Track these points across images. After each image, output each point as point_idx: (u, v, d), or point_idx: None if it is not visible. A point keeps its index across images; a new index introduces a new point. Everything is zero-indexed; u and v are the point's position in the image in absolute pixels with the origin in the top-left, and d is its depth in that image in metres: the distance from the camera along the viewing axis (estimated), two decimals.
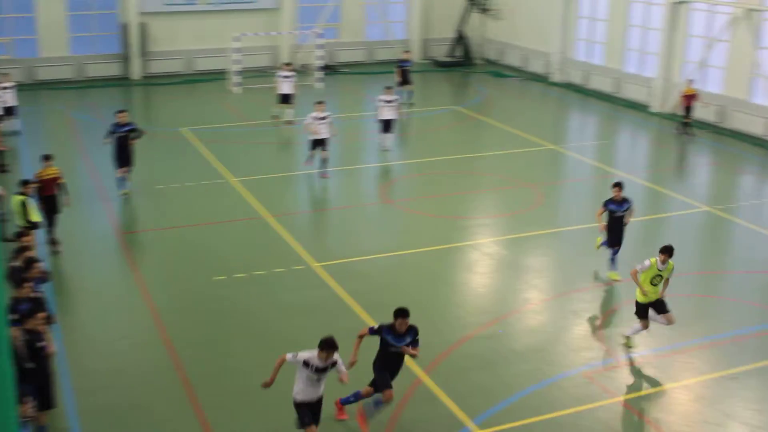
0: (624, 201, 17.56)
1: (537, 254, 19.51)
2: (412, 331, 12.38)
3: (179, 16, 38.71)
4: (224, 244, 19.69)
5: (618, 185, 17.56)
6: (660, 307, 14.81)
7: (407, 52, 34.67)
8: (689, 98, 29.33)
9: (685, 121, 29.65)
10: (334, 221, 21.78)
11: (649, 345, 15.24)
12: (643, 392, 13.78)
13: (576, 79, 38.24)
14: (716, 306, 17.31)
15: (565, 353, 15.03)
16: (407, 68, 33.11)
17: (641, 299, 14.72)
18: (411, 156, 27.59)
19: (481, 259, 19.03)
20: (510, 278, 18.17)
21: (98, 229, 20.52)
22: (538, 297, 17.22)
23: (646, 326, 14.84)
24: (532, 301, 17.05)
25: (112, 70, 37.60)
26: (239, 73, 35.58)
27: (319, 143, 23.86)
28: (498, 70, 41.49)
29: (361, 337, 12.45)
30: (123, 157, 21.99)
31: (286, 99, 30.05)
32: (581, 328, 15.89)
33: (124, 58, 37.66)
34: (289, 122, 29.99)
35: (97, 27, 37.76)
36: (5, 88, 27.83)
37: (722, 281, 18.51)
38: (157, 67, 38.35)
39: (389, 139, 26.67)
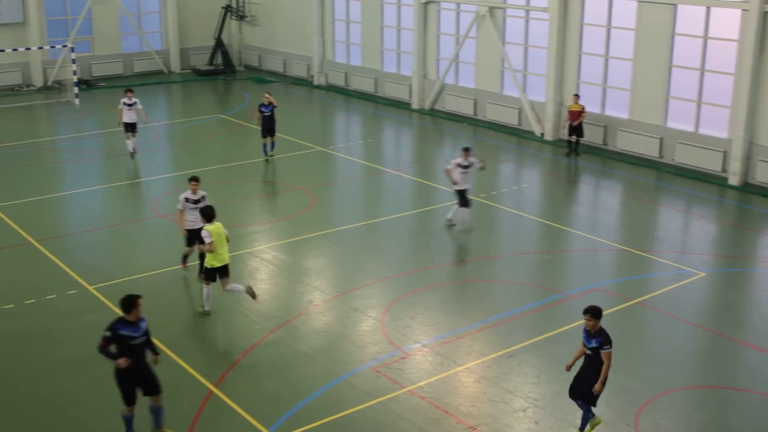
0: (599, 334, 12.16)
1: (316, 256, 19.71)
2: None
3: None
4: None
5: (591, 311, 12.15)
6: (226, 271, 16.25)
7: (268, 94, 27.23)
8: (575, 115, 27.67)
9: (569, 140, 27.96)
10: (105, 240, 20.95)
11: (431, 334, 15.79)
12: (430, 379, 14.23)
13: (337, 80, 38.94)
14: (491, 289, 18.17)
15: (352, 351, 15.27)
16: (269, 114, 26.82)
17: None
18: (180, 168, 27.07)
19: (261, 266, 19.00)
20: (291, 282, 18.24)
21: None
22: (320, 298, 17.40)
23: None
24: (315, 302, 17.21)
25: None
26: None
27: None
28: (260, 76, 41.55)
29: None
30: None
31: (133, 128, 27.24)
32: (366, 325, 16.21)
33: None
34: (133, 152, 27.39)
35: None
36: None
37: (494, 265, 19.44)
38: None
39: (464, 213, 21.19)
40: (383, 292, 17.64)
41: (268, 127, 26.73)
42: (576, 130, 27.68)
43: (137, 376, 11.92)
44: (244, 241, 20.29)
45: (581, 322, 12.37)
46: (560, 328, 15.86)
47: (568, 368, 12.65)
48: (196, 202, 17.66)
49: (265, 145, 26.95)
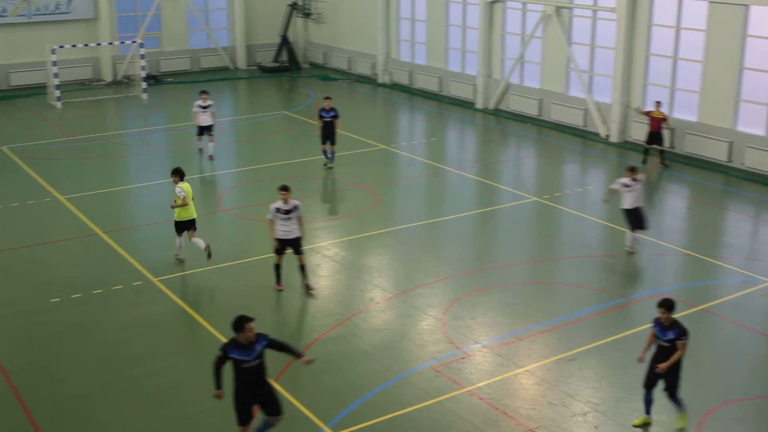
0: (675, 326, 12.51)
1: (377, 254, 19.74)
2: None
3: None
4: (58, 264, 19.00)
5: (665, 304, 12.56)
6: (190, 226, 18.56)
7: (328, 99, 25.82)
8: (656, 122, 26.40)
9: (647, 147, 26.75)
10: (170, 234, 21.19)
11: (491, 334, 15.71)
12: (490, 380, 14.17)
13: (402, 79, 38.94)
14: (553, 291, 18.00)
15: (411, 349, 15.27)
16: (330, 120, 25.55)
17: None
18: (244, 163, 27.36)
19: (323, 263, 19.09)
20: (352, 279, 18.30)
21: None
22: (381, 296, 17.42)
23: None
24: (376, 300, 17.24)
25: None
26: (59, 86, 34.31)
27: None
28: (325, 74, 41.75)
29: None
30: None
31: (208, 130, 26.76)
32: (426, 324, 16.19)
33: None
34: (211, 156, 26.91)
35: None
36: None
37: (556, 267, 19.27)
38: None
39: (635, 237, 19.85)
40: (444, 292, 17.61)
41: (328, 134, 25.54)
42: (656, 138, 26.75)
43: (255, 397, 11.68)
44: (307, 237, 20.36)
45: (644, 327, 12.26)
46: (623, 333, 15.65)
47: (640, 360, 12.81)
48: (287, 212, 16.79)
49: (324, 151, 25.88)
